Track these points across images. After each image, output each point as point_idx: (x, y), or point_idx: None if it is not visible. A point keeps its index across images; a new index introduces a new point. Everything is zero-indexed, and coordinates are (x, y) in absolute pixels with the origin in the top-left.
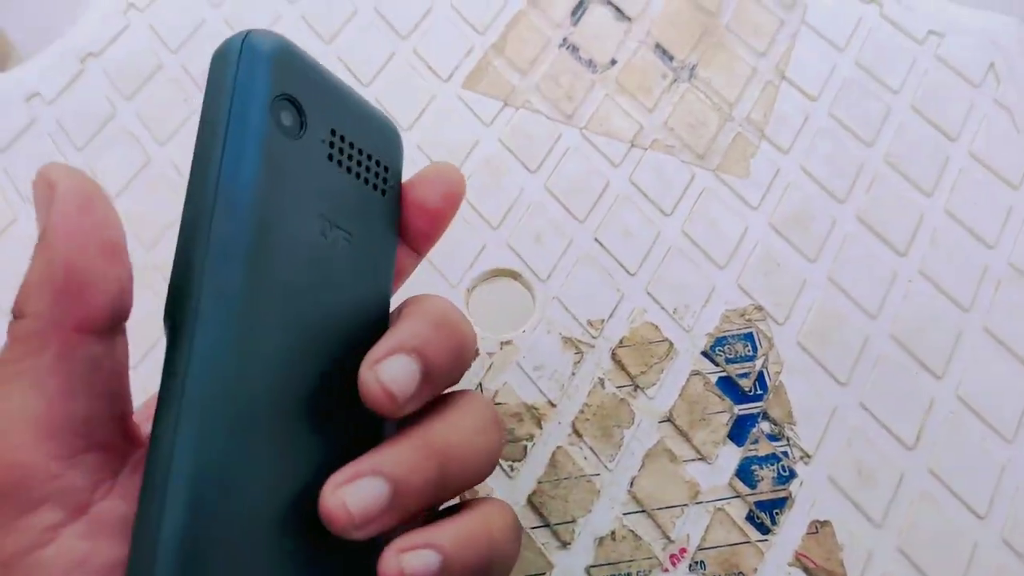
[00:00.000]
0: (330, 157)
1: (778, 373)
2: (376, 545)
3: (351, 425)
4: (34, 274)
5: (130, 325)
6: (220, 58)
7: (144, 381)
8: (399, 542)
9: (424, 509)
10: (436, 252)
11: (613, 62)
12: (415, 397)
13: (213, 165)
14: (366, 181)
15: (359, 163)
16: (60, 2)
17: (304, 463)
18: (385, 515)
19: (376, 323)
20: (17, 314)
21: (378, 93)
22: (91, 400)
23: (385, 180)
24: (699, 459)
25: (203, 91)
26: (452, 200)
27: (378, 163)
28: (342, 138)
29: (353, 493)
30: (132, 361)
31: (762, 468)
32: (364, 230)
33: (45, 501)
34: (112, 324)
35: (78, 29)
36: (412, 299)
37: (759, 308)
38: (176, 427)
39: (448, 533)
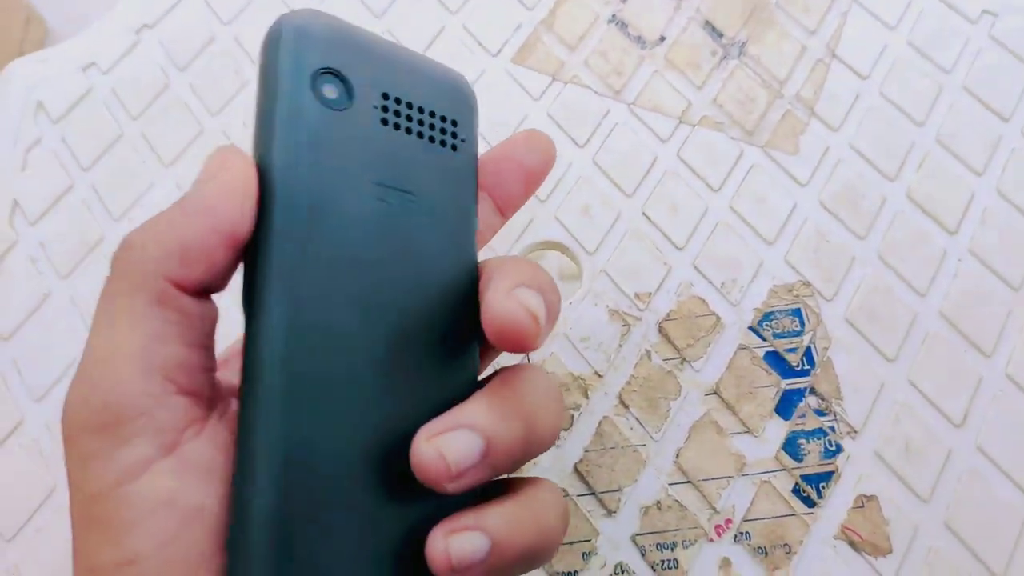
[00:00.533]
0: (384, 121)
1: (826, 349)
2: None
3: (434, 388)
4: (163, 221)
5: None
6: (263, 46)
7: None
8: (447, 523)
9: (506, 471)
10: None
11: (662, 39)
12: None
13: (261, 149)
14: (432, 139)
15: (421, 122)
16: None
17: (389, 428)
18: (478, 469)
19: (459, 276)
20: (127, 245)
21: None
22: (182, 348)
23: (455, 135)
24: (745, 432)
25: (255, 64)
26: (547, 162)
27: (443, 119)
28: (397, 100)
29: (449, 443)
30: None
31: (809, 442)
32: (433, 189)
33: (138, 435)
34: (204, 292)
35: (133, 0)
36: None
37: (807, 284)
38: (257, 406)
39: (497, 516)
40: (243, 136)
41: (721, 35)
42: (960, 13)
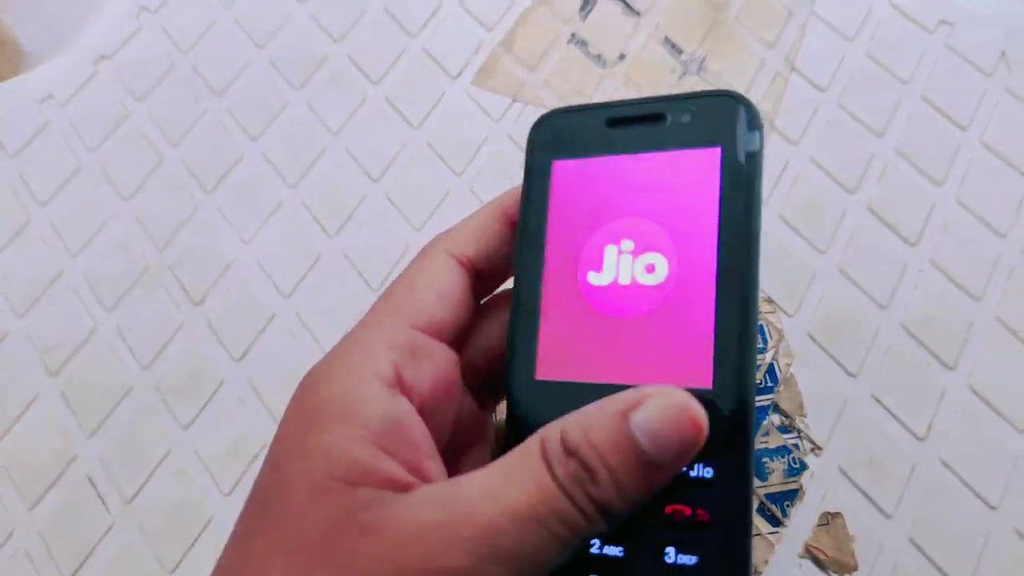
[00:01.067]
0: None
1: (788, 365)
2: None
3: None
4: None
5: (147, 321)
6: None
7: (162, 374)
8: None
9: None
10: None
11: (622, 56)
12: None
13: None
14: None
15: None
16: (71, 7)
17: None
18: None
19: None
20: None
21: (388, 91)
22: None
23: None
24: None
25: (214, 92)
26: None
27: None
28: None
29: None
30: (152, 354)
31: (773, 460)
32: None
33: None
34: None
35: (91, 32)
36: None
37: (769, 300)
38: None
39: None
40: (202, 165)
41: (681, 51)
42: (917, 24)
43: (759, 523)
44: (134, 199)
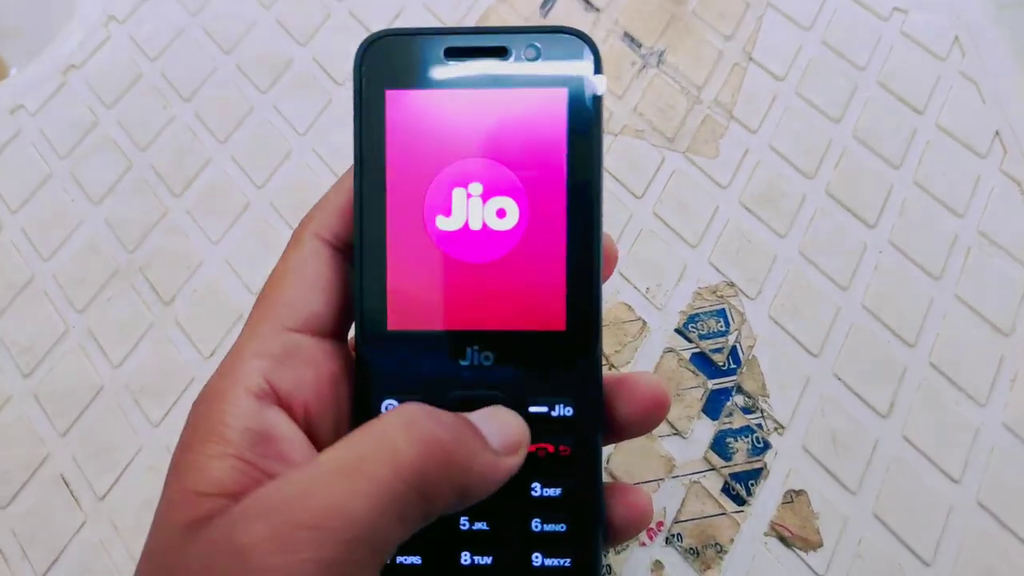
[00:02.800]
0: None
1: (751, 347)
2: None
3: None
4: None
5: (117, 322)
6: None
7: (133, 373)
8: None
9: None
10: None
11: None
12: None
13: None
14: None
15: None
16: (44, 16)
17: None
18: None
19: None
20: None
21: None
22: None
23: None
24: (674, 434)
25: (182, 98)
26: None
27: None
28: None
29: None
30: (122, 354)
31: (737, 440)
32: None
33: None
34: None
35: (60, 42)
36: None
37: (731, 284)
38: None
39: None
40: (171, 169)
41: (640, 45)
42: (872, 11)
43: (724, 503)
44: (104, 203)
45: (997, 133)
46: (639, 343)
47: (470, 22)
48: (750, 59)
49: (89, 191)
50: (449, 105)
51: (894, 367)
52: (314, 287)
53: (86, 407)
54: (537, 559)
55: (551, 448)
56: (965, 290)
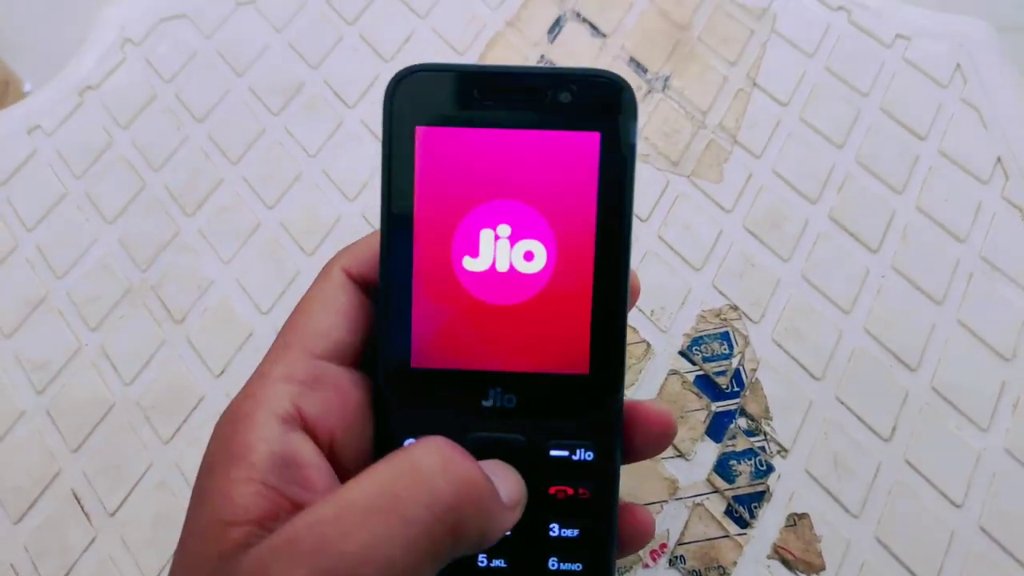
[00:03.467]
0: None
1: (754, 370)
2: None
3: None
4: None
5: (129, 340)
6: None
7: (144, 391)
8: None
9: None
10: None
11: None
12: None
13: None
14: None
15: None
16: (61, 37)
17: None
18: None
19: None
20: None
21: (363, 115)
22: None
23: None
24: (677, 456)
25: (195, 119)
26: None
27: None
28: None
29: None
30: (134, 371)
31: (740, 463)
32: None
33: None
34: None
35: (77, 63)
36: None
37: (734, 308)
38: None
39: None
40: (183, 189)
41: (646, 70)
42: (875, 38)
43: (727, 525)
44: (117, 222)
45: (999, 159)
46: (643, 365)
47: (479, 46)
48: (754, 84)
49: (103, 210)
50: (480, 145)
51: (896, 391)
52: (343, 317)
53: (98, 424)
54: None
55: (570, 491)
56: (967, 315)
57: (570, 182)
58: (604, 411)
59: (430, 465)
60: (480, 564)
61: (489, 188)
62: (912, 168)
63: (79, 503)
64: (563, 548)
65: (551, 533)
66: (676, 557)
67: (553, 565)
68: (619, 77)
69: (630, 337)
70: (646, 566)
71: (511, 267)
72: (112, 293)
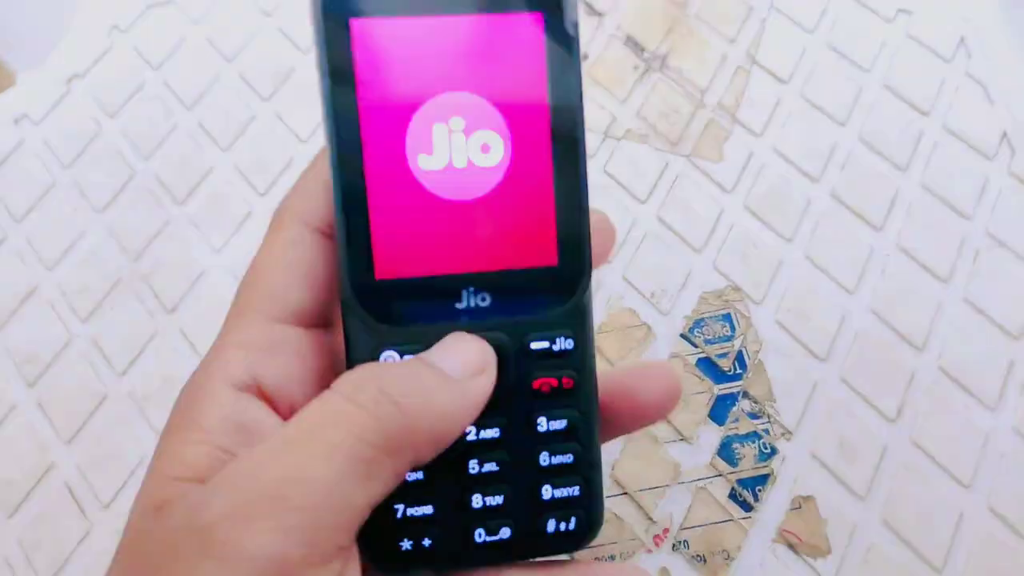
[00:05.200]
0: None
1: (757, 352)
2: None
3: None
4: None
5: (121, 331)
6: None
7: (137, 382)
8: None
9: None
10: None
11: (585, 56)
12: None
13: None
14: None
15: None
16: (47, 24)
17: None
18: None
19: None
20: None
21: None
22: None
23: None
24: (680, 440)
25: (185, 106)
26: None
27: None
28: None
29: None
30: (126, 362)
31: (743, 446)
32: None
33: None
34: None
35: (63, 52)
36: None
37: (736, 289)
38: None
39: None
40: (173, 178)
41: (643, 49)
42: (877, 13)
43: (731, 509)
44: (107, 212)
45: (1005, 134)
46: (644, 348)
47: None
48: (754, 62)
49: (92, 200)
50: (421, 34)
51: (902, 371)
52: (299, 275)
53: (90, 416)
54: (547, 492)
55: (554, 382)
56: (974, 293)
57: (518, 67)
58: (577, 298)
59: (342, 393)
60: (471, 471)
61: (436, 80)
62: (916, 144)
63: (73, 496)
64: (553, 440)
65: (539, 428)
66: (679, 542)
67: (545, 461)
68: None
69: (630, 320)
70: (649, 551)
71: (469, 161)
72: (103, 284)
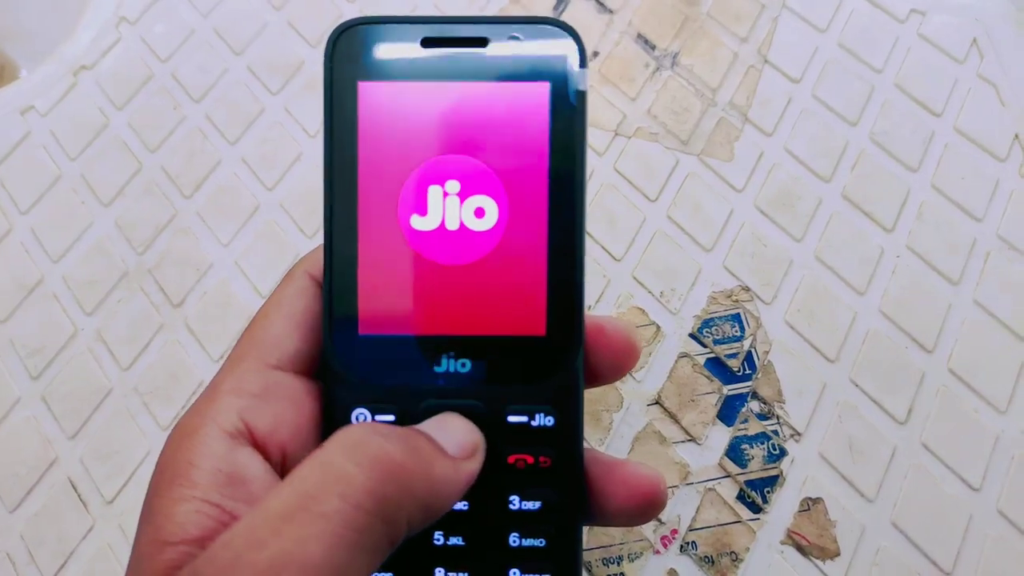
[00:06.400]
0: None
1: (767, 352)
2: None
3: None
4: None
5: (126, 324)
6: None
7: (142, 376)
8: None
9: None
10: None
11: (595, 54)
12: None
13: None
14: None
15: None
16: (55, 17)
17: None
18: None
19: None
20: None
21: None
22: None
23: None
24: (689, 440)
25: (193, 99)
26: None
27: None
28: None
29: None
30: (131, 356)
31: (752, 447)
32: None
33: None
34: None
35: (71, 43)
36: None
37: (746, 289)
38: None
39: None
40: (180, 171)
41: (654, 47)
42: (889, 13)
43: (740, 510)
44: (113, 205)
45: (1016, 136)
46: (653, 348)
47: None
48: (765, 61)
49: (99, 193)
50: (425, 98)
51: (912, 373)
52: (299, 324)
53: (95, 410)
54: (515, 575)
55: (530, 459)
56: (984, 295)
57: (520, 134)
58: (563, 373)
59: (340, 452)
60: (436, 542)
61: (436, 143)
62: (927, 146)
63: (76, 491)
64: (524, 522)
65: (511, 506)
66: (687, 543)
67: (514, 541)
68: (565, 23)
69: (639, 319)
70: (657, 552)
71: (461, 225)
72: (108, 277)
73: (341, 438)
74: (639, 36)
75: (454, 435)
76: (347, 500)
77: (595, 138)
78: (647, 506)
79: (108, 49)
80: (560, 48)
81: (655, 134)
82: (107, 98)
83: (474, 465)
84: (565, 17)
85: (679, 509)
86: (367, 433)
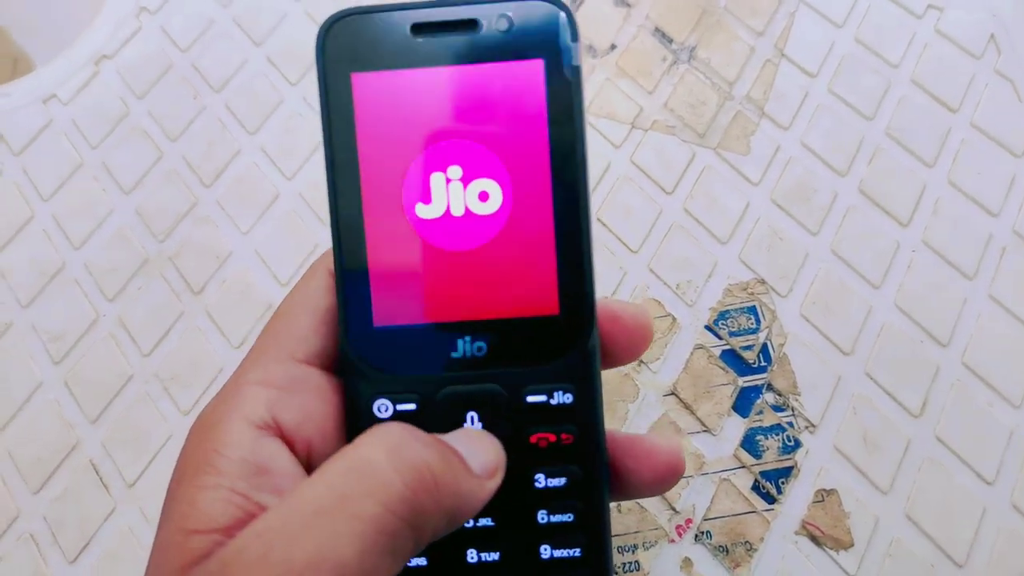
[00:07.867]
0: None
1: (782, 345)
2: None
3: None
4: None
5: (147, 311)
6: None
7: (163, 362)
8: None
9: None
10: None
11: (613, 47)
12: None
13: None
14: None
15: None
16: (73, 9)
17: None
18: None
19: None
20: None
21: None
22: None
23: None
24: (704, 431)
25: (213, 89)
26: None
27: None
28: None
29: None
30: (152, 343)
31: (767, 438)
32: None
33: None
34: None
35: (92, 32)
36: None
37: (762, 281)
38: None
39: None
40: (201, 160)
41: (671, 41)
42: (906, 8)
43: (755, 501)
44: (134, 193)
45: None
46: (669, 339)
47: None
48: (782, 55)
49: (120, 181)
50: (420, 85)
51: (927, 367)
52: (323, 321)
53: (116, 395)
54: (546, 551)
55: (552, 437)
56: (999, 290)
57: (517, 114)
58: (579, 350)
59: (378, 455)
60: (467, 525)
61: (434, 130)
62: (944, 141)
63: (98, 474)
64: (551, 499)
65: (536, 484)
66: (702, 532)
67: (543, 519)
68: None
69: (655, 311)
70: (672, 541)
71: (467, 210)
72: (130, 264)
73: (380, 436)
74: (656, 30)
75: (480, 455)
76: (383, 505)
77: (612, 131)
78: (669, 474)
79: (129, 39)
80: (551, 23)
81: (672, 127)
82: (128, 87)
83: (496, 484)
84: (583, 11)
85: (694, 499)
86: (406, 437)
